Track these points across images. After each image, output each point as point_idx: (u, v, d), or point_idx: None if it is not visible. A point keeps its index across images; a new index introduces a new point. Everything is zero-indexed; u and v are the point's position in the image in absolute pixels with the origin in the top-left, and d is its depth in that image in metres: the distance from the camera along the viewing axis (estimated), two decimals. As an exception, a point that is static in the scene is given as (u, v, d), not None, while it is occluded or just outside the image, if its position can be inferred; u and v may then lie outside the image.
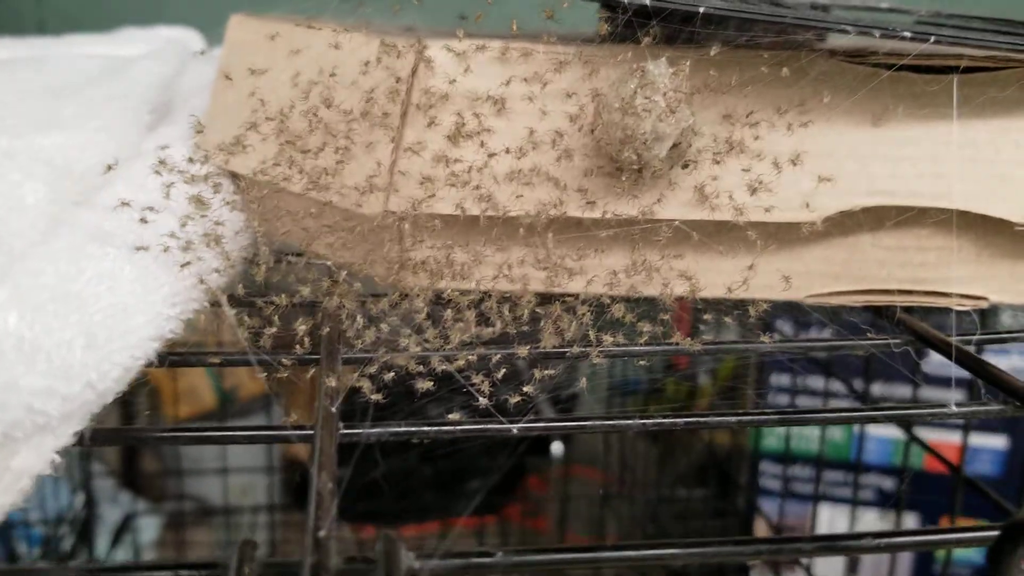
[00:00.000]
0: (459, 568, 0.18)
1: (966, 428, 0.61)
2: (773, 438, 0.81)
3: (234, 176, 0.33)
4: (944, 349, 0.28)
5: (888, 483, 0.79)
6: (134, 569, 0.18)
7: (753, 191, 0.28)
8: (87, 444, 0.20)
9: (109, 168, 0.30)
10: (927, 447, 0.60)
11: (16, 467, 0.19)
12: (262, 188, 0.32)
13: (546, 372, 0.27)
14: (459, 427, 0.24)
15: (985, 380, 0.27)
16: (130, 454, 0.99)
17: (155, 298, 0.24)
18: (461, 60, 0.29)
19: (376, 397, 0.25)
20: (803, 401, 0.77)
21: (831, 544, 0.19)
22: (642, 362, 0.29)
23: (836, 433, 0.79)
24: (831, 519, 0.80)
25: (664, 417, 0.24)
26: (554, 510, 1.04)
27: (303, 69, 0.32)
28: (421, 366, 0.27)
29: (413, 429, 0.24)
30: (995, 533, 0.16)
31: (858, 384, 0.68)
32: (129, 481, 0.96)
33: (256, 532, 0.97)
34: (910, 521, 0.77)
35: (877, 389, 0.72)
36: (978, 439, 0.76)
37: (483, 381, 0.26)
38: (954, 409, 0.25)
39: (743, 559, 0.18)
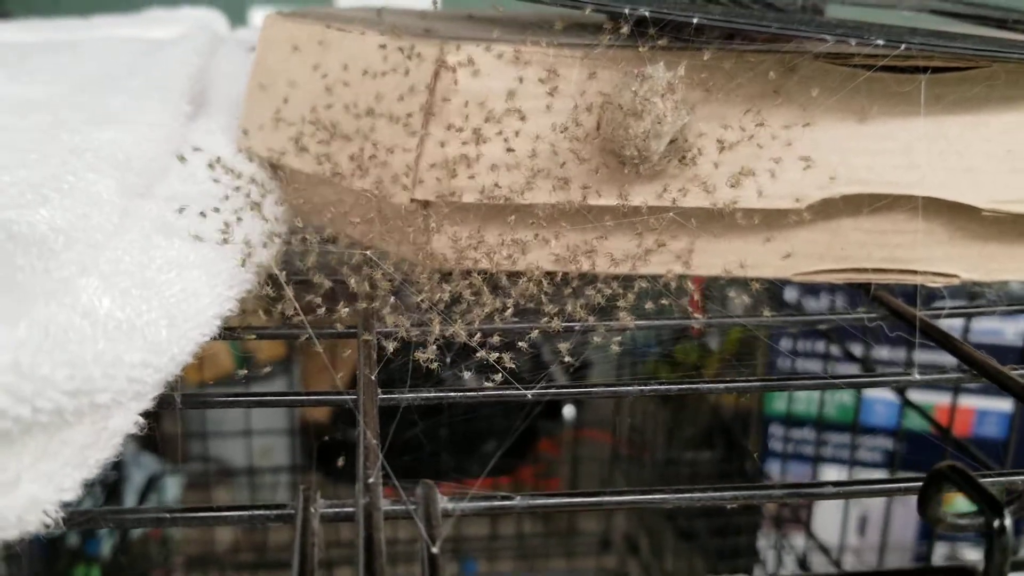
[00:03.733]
0: (485, 509, 0.21)
1: (955, 391, 0.65)
2: (780, 401, 0.84)
3: (274, 168, 0.37)
4: (912, 323, 0.31)
5: (892, 445, 0.82)
6: (210, 511, 0.22)
7: (744, 183, 0.32)
8: (178, 407, 0.24)
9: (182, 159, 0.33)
10: (920, 410, 0.63)
11: (112, 427, 0.23)
12: (303, 181, 0.35)
13: (564, 345, 0.30)
14: (481, 393, 0.27)
15: (948, 350, 0.30)
16: (150, 417, 1.03)
17: (216, 281, 0.28)
18: (477, 64, 0.32)
19: (429, 358, 0.28)
20: (806, 365, 0.80)
21: (797, 491, 0.23)
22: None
23: (844, 397, 0.82)
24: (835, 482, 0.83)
25: (660, 384, 0.28)
26: (565, 472, 1.08)
27: (333, 71, 0.35)
28: (442, 339, 0.30)
29: (441, 394, 0.27)
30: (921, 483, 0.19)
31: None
32: (150, 444, 1.00)
33: (277, 492, 1.02)
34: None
35: (884, 353, 0.75)
36: (986, 402, 0.79)
37: (502, 354, 0.30)
38: (917, 377, 0.29)
39: (723, 503, 0.22)
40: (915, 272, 0.34)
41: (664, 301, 0.32)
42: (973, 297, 0.38)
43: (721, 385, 0.28)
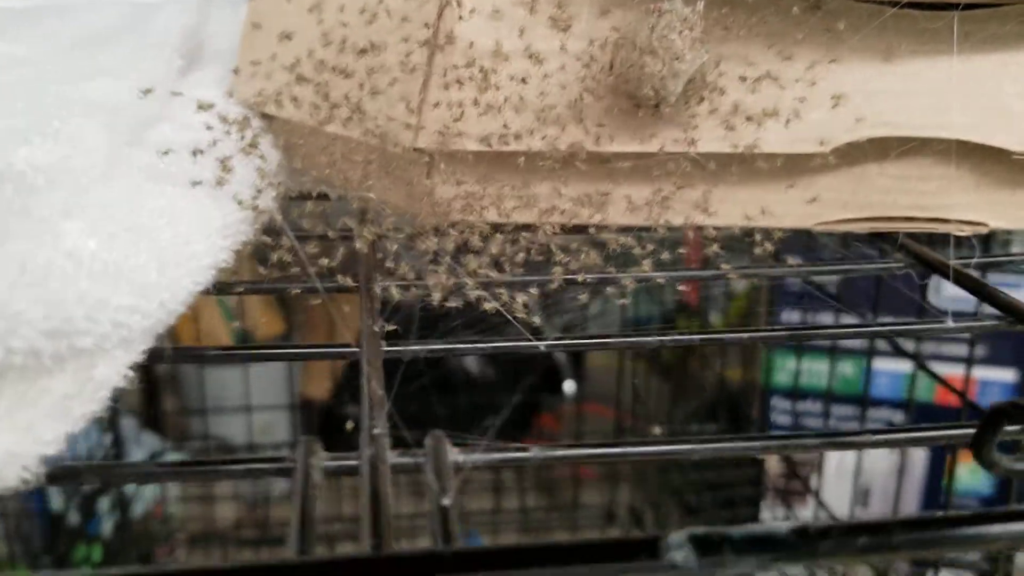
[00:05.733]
0: (498, 461, 0.20)
1: (969, 361, 0.63)
2: (784, 374, 0.83)
3: (267, 117, 0.35)
4: (943, 271, 0.30)
5: (899, 417, 0.81)
6: (208, 464, 0.21)
7: (766, 124, 0.30)
8: (168, 361, 0.22)
9: (148, 92, 0.31)
10: (935, 376, 0.62)
11: (97, 377, 0.21)
12: (299, 128, 0.34)
13: (579, 296, 0.29)
14: (491, 344, 0.26)
15: (982, 298, 0.29)
16: (151, 395, 1.02)
17: (210, 229, 0.26)
18: (482, 1, 0.30)
19: (441, 299, 0.27)
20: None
21: (835, 440, 0.21)
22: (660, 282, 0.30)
23: (847, 369, 0.81)
24: (841, 453, 0.83)
25: (680, 334, 0.26)
26: (568, 447, 1.06)
27: (331, 13, 0.33)
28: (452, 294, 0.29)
29: (450, 347, 0.26)
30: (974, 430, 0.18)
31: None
32: (150, 421, 0.99)
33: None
34: (918, 453, 0.80)
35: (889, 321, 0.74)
36: (989, 372, 0.78)
37: (513, 301, 0.28)
38: (951, 324, 0.27)
39: (753, 454, 0.20)
40: (942, 220, 0.33)
41: (681, 251, 0.31)
42: (987, 250, 0.36)
43: (746, 335, 0.26)
